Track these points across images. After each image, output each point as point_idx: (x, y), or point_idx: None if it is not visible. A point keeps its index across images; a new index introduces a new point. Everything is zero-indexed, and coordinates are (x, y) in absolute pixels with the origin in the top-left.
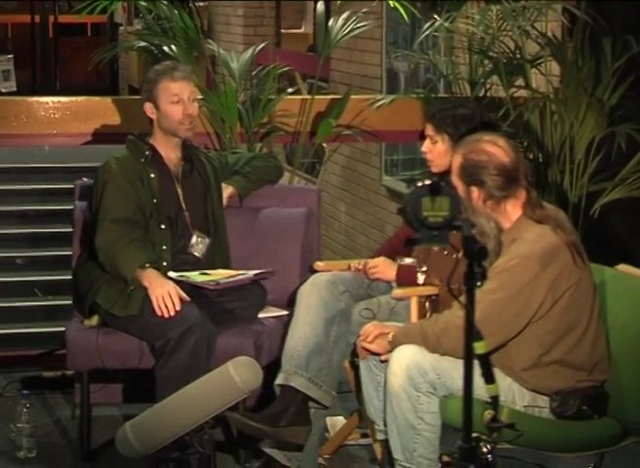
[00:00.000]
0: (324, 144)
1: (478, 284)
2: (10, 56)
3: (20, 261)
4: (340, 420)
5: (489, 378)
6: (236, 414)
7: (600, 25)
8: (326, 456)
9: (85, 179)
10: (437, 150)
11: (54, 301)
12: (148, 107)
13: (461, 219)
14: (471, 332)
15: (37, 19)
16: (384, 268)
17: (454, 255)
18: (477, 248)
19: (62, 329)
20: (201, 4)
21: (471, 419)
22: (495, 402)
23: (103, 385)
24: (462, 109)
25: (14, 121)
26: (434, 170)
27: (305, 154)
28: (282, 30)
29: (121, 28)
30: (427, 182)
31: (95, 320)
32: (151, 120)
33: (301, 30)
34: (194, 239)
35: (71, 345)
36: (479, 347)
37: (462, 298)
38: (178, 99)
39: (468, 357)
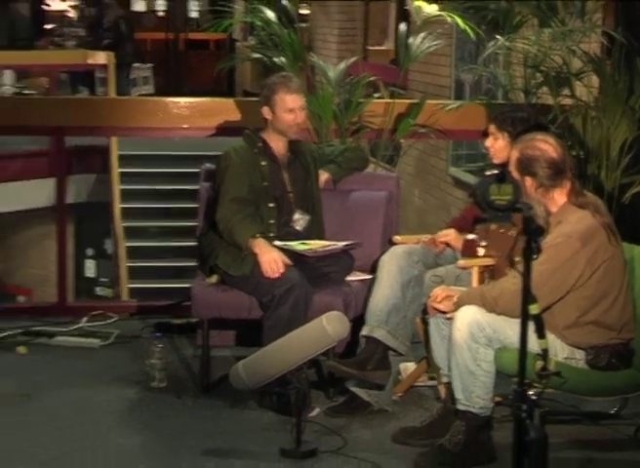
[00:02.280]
0: (402, 140)
1: (534, 257)
2: (149, 65)
3: (155, 230)
4: (411, 366)
5: (541, 334)
6: (331, 361)
7: (634, 46)
8: (399, 394)
9: (208, 165)
10: (498, 145)
11: (181, 263)
12: (266, 110)
13: (522, 203)
14: (527, 296)
15: (171, 35)
16: (454, 237)
17: (509, 233)
18: (535, 226)
19: (188, 285)
20: (304, 25)
21: (525, 368)
22: (545, 354)
23: (220, 331)
24: (520, 112)
25: (153, 117)
26: (495, 161)
27: (387, 148)
28: (369, 47)
29: (238, 43)
30: (495, 172)
31: (214, 278)
32: (266, 119)
33: (384, 47)
34: (296, 215)
35: (196, 298)
36: (534, 308)
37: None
38: (291, 109)
39: (524, 316)
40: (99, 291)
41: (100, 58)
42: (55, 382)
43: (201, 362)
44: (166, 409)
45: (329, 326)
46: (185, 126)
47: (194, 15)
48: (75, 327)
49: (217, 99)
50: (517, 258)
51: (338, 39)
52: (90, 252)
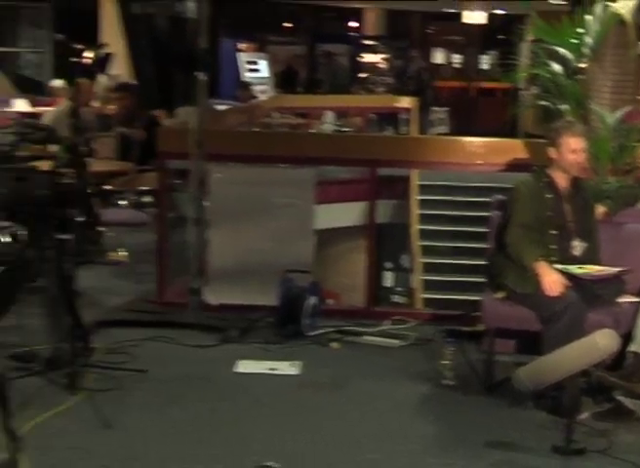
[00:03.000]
0: None
1: None
2: (445, 108)
3: (447, 249)
4: None
5: None
6: (600, 372)
7: None
8: None
9: (499, 196)
10: None
11: (468, 278)
12: (552, 151)
13: None
14: None
15: (465, 84)
16: None
17: None
18: None
19: (476, 298)
20: (582, 77)
21: None
22: None
23: (504, 339)
24: None
25: (453, 153)
26: None
27: None
28: (639, 97)
29: (520, 92)
30: None
31: (501, 294)
32: (551, 158)
33: None
34: (575, 242)
35: (485, 310)
36: None
37: None
38: (574, 150)
39: None
40: (395, 298)
41: (405, 102)
42: (361, 375)
43: (486, 365)
44: (454, 404)
45: (600, 341)
46: (479, 162)
47: (485, 67)
48: (379, 328)
49: (506, 140)
50: None
51: (611, 90)
52: (388, 265)
